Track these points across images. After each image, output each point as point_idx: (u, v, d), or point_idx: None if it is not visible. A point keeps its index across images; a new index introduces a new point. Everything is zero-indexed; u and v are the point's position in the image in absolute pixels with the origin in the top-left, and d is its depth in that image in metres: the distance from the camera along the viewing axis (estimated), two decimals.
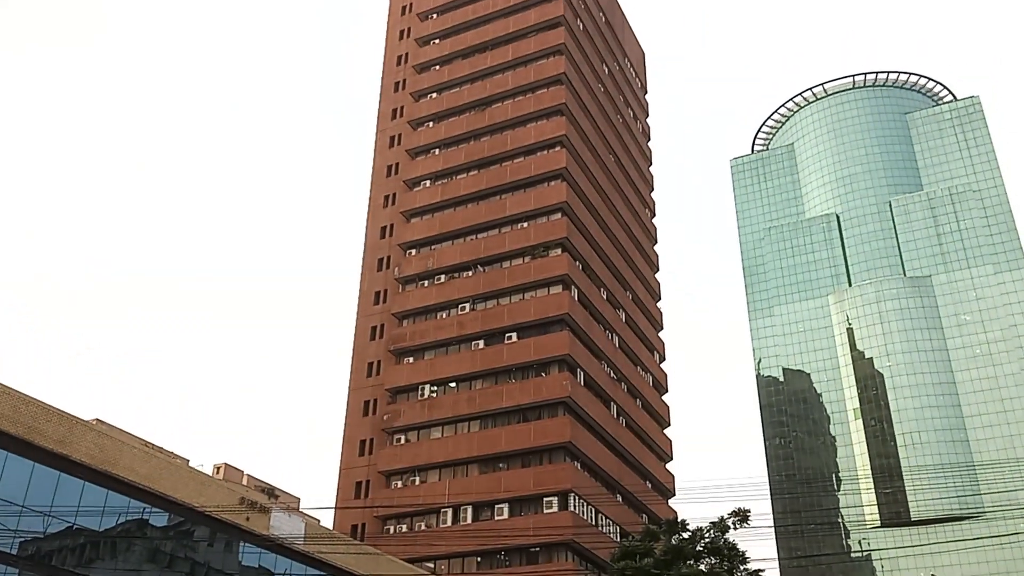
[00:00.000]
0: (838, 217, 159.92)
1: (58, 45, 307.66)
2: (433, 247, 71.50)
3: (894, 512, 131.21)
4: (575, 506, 58.35)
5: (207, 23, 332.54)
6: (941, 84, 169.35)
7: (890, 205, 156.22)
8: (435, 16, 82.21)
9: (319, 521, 46.66)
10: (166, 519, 36.10)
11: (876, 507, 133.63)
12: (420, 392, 65.54)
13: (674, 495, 75.64)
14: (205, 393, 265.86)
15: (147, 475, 35.08)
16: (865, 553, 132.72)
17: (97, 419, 38.84)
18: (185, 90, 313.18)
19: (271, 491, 43.67)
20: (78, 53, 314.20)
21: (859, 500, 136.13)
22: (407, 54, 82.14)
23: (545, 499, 58.34)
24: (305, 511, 45.45)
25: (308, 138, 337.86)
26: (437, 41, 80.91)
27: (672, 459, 78.34)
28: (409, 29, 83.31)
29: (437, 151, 75.62)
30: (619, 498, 66.47)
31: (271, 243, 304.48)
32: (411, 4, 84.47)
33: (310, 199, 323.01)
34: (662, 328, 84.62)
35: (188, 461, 41.20)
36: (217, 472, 44.79)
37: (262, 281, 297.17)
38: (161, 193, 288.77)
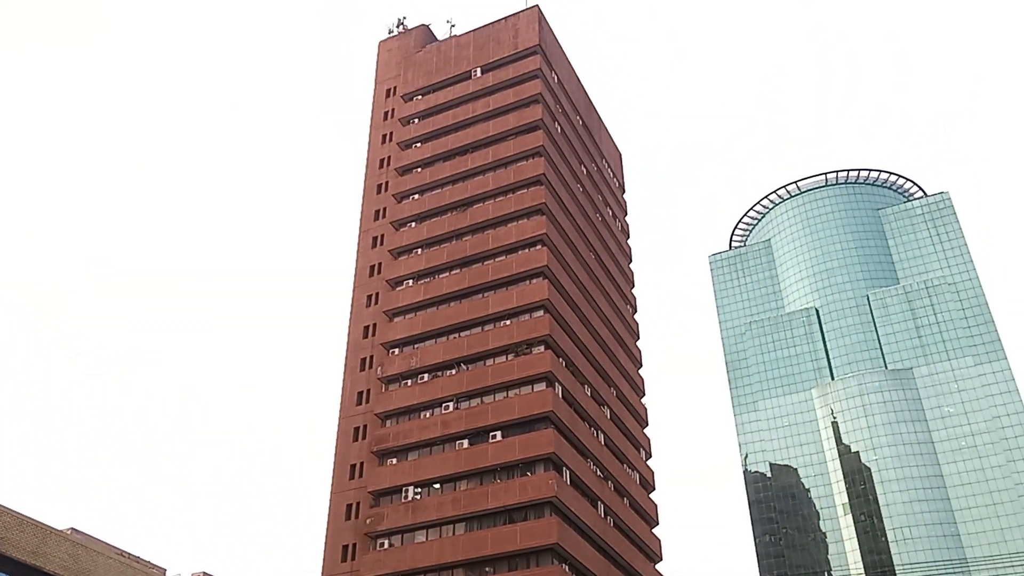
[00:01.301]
0: (817, 311, 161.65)
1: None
2: (416, 346, 71.39)
3: None
4: None
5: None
6: (911, 181, 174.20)
7: (868, 299, 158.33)
8: (416, 121, 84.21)
9: None
10: None
11: None
12: (404, 494, 64.33)
13: None
14: (183, 497, 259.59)
15: None
16: None
17: (72, 528, 37.85)
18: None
19: None
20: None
21: None
22: (389, 157, 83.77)
23: None
24: None
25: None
26: (419, 144, 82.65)
27: (662, 559, 76.79)
28: (391, 133, 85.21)
29: (420, 251, 76.33)
30: None
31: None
32: (393, 109, 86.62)
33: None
34: (647, 424, 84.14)
35: (165, 571, 39.98)
36: None
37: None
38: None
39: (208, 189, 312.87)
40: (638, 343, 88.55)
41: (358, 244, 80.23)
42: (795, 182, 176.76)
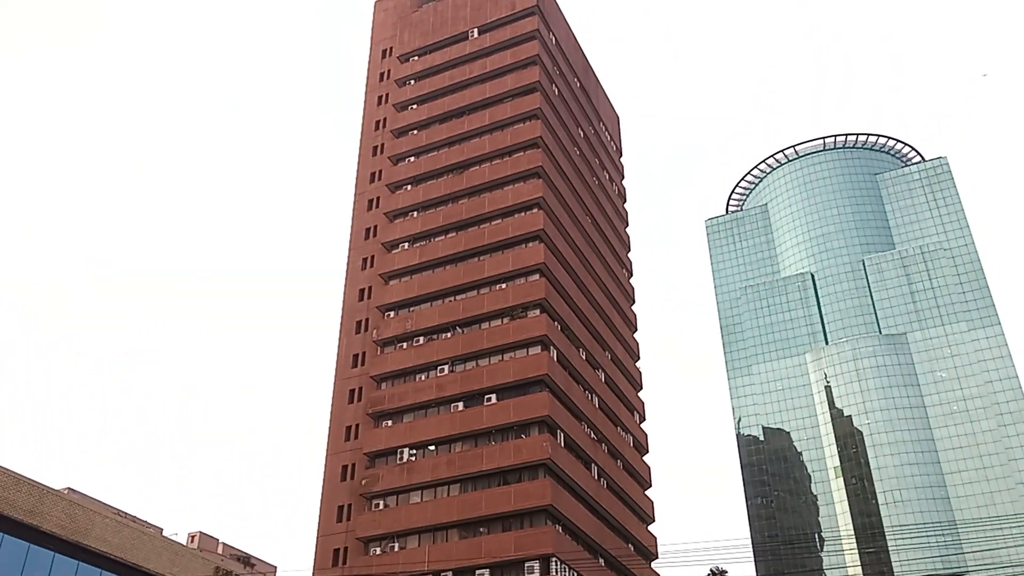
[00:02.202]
0: (813, 276, 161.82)
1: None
2: (411, 309, 71.45)
3: (878, 572, 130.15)
4: (557, 571, 57.41)
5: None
6: (909, 146, 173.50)
7: (863, 264, 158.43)
8: (412, 82, 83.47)
9: None
10: None
11: (860, 567, 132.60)
12: (399, 456, 64.80)
13: (657, 558, 74.72)
14: (178, 452, 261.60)
15: (119, 545, 34.29)
16: None
17: (69, 488, 38.08)
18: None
19: (247, 559, 42.75)
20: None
21: (843, 560, 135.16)
22: (385, 119, 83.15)
23: (527, 564, 57.35)
24: None
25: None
26: (415, 106, 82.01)
27: (654, 521, 77.60)
28: (387, 95, 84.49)
29: (415, 214, 76.08)
30: (601, 562, 65.54)
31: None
32: (389, 71, 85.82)
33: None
34: (642, 388, 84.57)
35: (161, 530, 40.37)
36: (191, 541, 43.87)
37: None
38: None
39: (206, 180, 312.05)
40: (633, 307, 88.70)
41: (353, 207, 79.95)
42: (793, 146, 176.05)
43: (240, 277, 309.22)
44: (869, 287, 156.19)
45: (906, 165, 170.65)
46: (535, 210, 71.87)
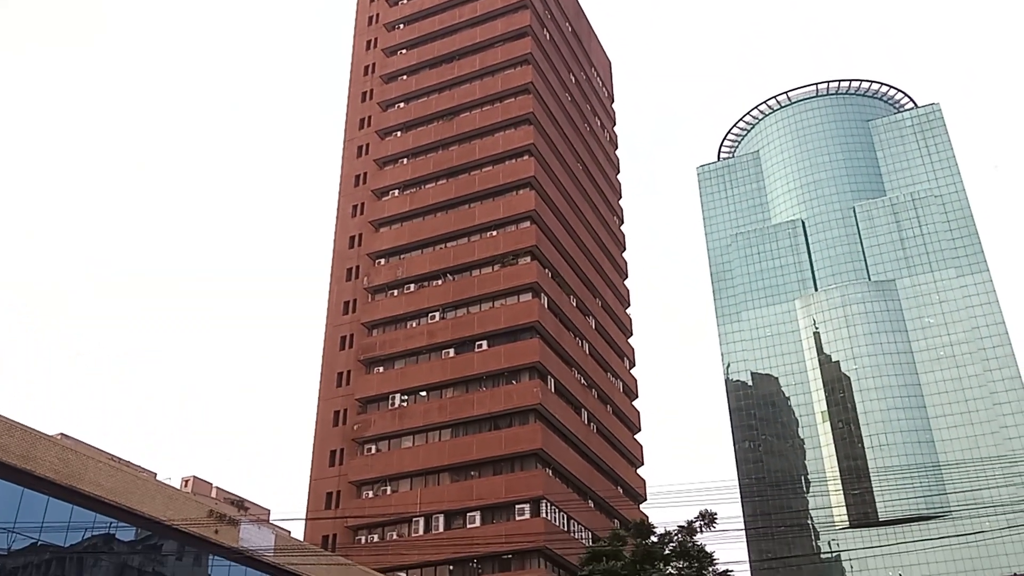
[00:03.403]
0: (803, 223, 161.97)
1: (58, 45, 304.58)
2: (402, 256, 71.48)
3: (862, 513, 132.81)
4: (547, 512, 58.49)
5: (202, 24, 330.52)
6: (902, 92, 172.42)
7: (854, 211, 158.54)
8: (402, 26, 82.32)
9: (290, 533, 46.36)
10: (133, 534, 35.70)
11: (845, 508, 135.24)
12: (391, 401, 65.43)
13: (645, 500, 76.02)
14: (172, 403, 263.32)
15: (113, 489, 34.71)
16: (834, 554, 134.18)
17: (62, 433, 38.40)
18: (183, 89, 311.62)
19: (240, 503, 43.35)
20: (78, 53, 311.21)
21: (828, 502, 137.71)
22: (374, 64, 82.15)
23: (517, 506, 58.40)
24: (275, 523, 45.16)
25: (303, 137, 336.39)
26: (404, 51, 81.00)
27: (643, 464, 78.78)
28: (376, 39, 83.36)
29: (405, 160, 75.67)
30: (591, 504, 66.71)
31: (238, 247, 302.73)
32: (378, 15, 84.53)
33: (292, 203, 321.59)
34: (632, 334, 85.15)
35: (155, 475, 40.79)
36: (185, 485, 44.36)
37: (231, 284, 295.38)
38: (158, 193, 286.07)
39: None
40: (624, 254, 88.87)
41: (343, 153, 79.42)
42: (785, 92, 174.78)
43: (230, 223, 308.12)
44: (859, 234, 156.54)
45: (899, 112, 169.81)
46: (526, 157, 71.54)
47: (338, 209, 76.70)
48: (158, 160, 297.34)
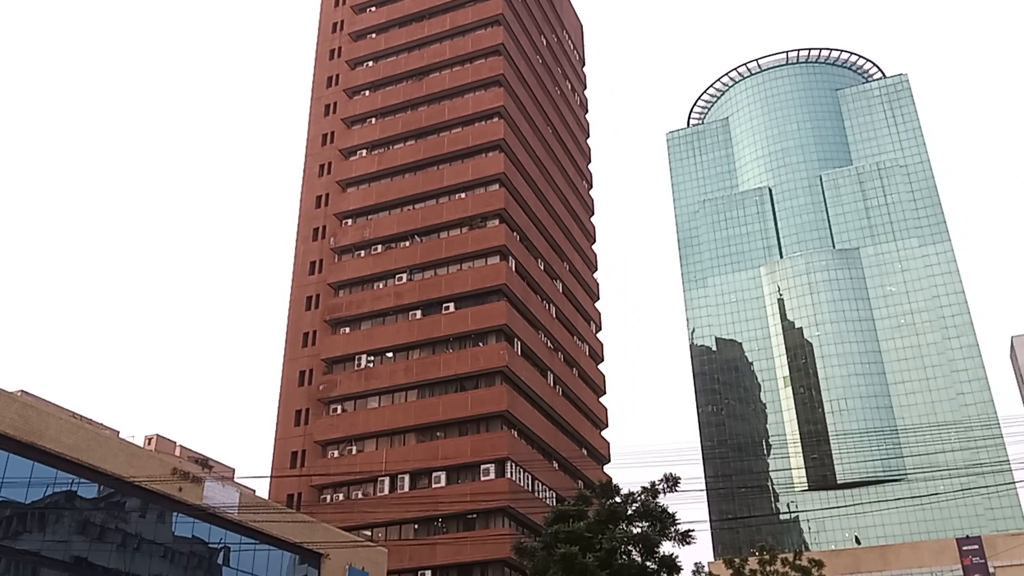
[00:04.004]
0: (770, 190, 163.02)
1: None
2: (369, 217, 71.03)
3: (821, 476, 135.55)
4: (512, 473, 59.05)
5: None
6: (871, 61, 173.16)
7: (821, 179, 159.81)
8: None
9: (255, 491, 46.41)
10: (96, 490, 35.60)
11: (804, 471, 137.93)
12: (357, 362, 65.38)
13: (609, 461, 76.97)
14: (136, 362, 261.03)
15: (74, 446, 34.49)
16: (793, 515, 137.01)
17: (22, 390, 37.95)
18: (147, 43, 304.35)
19: (204, 462, 43.23)
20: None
21: (788, 464, 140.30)
22: (343, 21, 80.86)
23: (482, 466, 58.92)
24: (240, 481, 45.17)
25: (269, 94, 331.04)
26: (373, 8, 79.77)
27: (607, 427, 79.63)
28: None
29: (373, 120, 74.89)
30: (555, 465, 67.42)
31: (204, 204, 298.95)
32: None
33: (258, 161, 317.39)
34: (598, 299, 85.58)
35: (118, 433, 40.52)
36: (148, 444, 44.14)
37: (196, 242, 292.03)
38: (120, 150, 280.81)
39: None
40: (592, 219, 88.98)
41: (310, 111, 78.41)
42: (756, 60, 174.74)
43: (194, 180, 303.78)
44: (825, 202, 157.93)
45: (867, 81, 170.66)
46: (496, 119, 71.12)
47: (305, 168, 75.88)
48: (121, 117, 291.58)
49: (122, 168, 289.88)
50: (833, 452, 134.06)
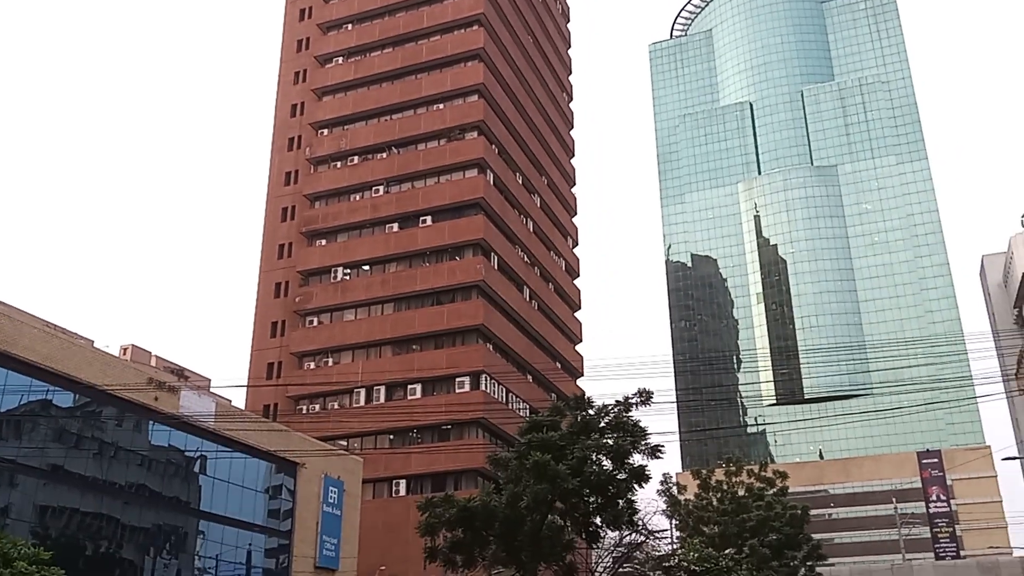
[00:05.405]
0: (751, 105, 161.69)
1: None
2: (346, 127, 69.84)
3: (788, 390, 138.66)
4: (486, 385, 59.82)
5: None
6: None
7: (802, 94, 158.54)
8: None
9: (231, 401, 46.76)
10: (71, 399, 35.65)
11: (772, 385, 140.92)
12: (333, 275, 65.22)
13: (582, 375, 78.03)
14: (111, 271, 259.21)
15: (49, 355, 34.37)
16: (760, 428, 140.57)
17: None
18: None
19: (180, 372, 43.35)
20: None
21: (757, 379, 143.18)
22: None
23: (457, 379, 59.61)
24: (216, 391, 45.44)
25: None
26: None
27: (581, 341, 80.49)
28: None
29: (350, 26, 72.91)
30: (529, 378, 68.29)
31: (178, 110, 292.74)
32: None
33: (232, 67, 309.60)
34: (576, 213, 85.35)
35: (92, 342, 40.41)
36: (124, 353, 44.13)
37: (170, 149, 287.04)
38: (90, 69, 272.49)
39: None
40: (572, 132, 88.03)
41: (284, 15, 76.18)
42: None
43: (167, 86, 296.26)
44: (805, 118, 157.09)
45: None
46: (475, 27, 69.48)
47: (279, 76, 74.12)
48: (86, 35, 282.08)
49: (99, 78, 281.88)
50: (801, 367, 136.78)
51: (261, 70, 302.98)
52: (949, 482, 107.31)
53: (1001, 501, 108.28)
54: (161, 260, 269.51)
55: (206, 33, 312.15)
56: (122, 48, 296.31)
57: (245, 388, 61.09)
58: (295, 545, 44.54)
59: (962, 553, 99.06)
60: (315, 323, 64.66)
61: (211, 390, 44.73)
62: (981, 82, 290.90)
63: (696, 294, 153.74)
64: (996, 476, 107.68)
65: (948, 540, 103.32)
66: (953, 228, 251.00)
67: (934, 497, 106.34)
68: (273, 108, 73.17)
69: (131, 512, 37.24)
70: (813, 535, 49.73)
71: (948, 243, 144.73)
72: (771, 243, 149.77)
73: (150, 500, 38.19)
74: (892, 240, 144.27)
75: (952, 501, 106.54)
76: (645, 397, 33.27)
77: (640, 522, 31.22)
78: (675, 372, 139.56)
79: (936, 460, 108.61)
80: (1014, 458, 67.95)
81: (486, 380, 59.92)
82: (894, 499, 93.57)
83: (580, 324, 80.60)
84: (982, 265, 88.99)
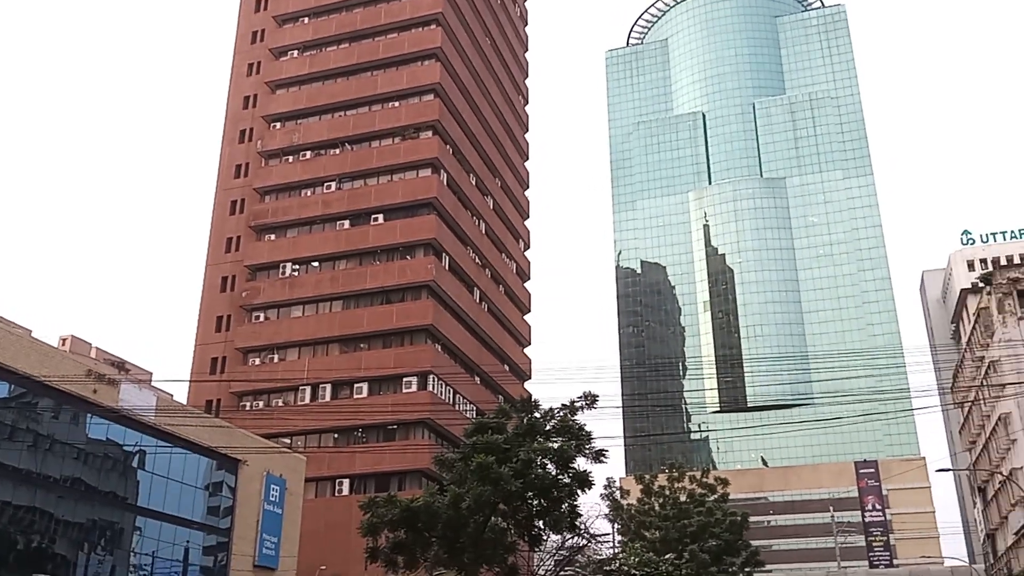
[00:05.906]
0: (704, 116, 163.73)
1: None
2: (299, 121, 69.16)
3: (732, 398, 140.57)
4: (433, 386, 59.64)
5: None
6: None
7: (754, 107, 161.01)
8: None
9: (172, 396, 45.92)
10: (7, 390, 34.74)
11: (716, 392, 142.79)
12: (281, 270, 64.49)
13: (530, 378, 78.23)
14: (53, 261, 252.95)
15: None
16: (703, 435, 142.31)
17: None
18: None
19: (121, 364, 42.42)
20: None
21: (702, 385, 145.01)
22: None
23: (404, 379, 59.35)
24: (157, 385, 44.59)
25: None
26: None
27: (530, 344, 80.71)
28: None
29: (306, 20, 72.22)
30: (476, 379, 68.25)
31: (126, 98, 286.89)
32: None
33: (184, 57, 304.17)
34: (529, 216, 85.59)
35: (30, 331, 39.38)
36: (63, 344, 43.03)
37: (117, 138, 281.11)
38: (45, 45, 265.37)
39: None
40: (526, 135, 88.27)
41: (240, 6, 75.19)
42: None
43: (116, 70, 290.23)
44: (756, 130, 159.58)
45: (806, 10, 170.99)
46: (433, 26, 69.32)
47: (232, 67, 73.11)
48: (34, 19, 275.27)
49: (43, 62, 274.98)
50: (745, 375, 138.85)
51: (214, 60, 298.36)
52: (885, 492, 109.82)
53: (934, 511, 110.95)
54: (105, 249, 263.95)
55: (160, 21, 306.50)
56: (70, 30, 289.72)
57: (188, 383, 60.02)
58: (234, 543, 43.94)
59: (895, 562, 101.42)
60: (261, 319, 63.84)
61: (152, 384, 43.91)
62: (925, 100, 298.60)
63: (644, 300, 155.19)
64: (930, 487, 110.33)
65: (882, 549, 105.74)
66: (895, 243, 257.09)
67: (870, 506, 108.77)
68: (225, 99, 72.16)
69: (65, 506, 36.39)
70: (752, 541, 50.50)
71: (890, 258, 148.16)
72: (719, 252, 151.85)
73: (86, 495, 37.35)
74: (836, 253, 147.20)
75: (887, 511, 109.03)
76: (590, 400, 33.48)
77: (582, 526, 31.42)
78: (621, 377, 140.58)
79: (873, 470, 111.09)
80: (947, 469, 69.87)
81: (433, 381, 59.75)
82: (831, 507, 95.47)
83: (529, 327, 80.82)
84: (922, 281, 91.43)
